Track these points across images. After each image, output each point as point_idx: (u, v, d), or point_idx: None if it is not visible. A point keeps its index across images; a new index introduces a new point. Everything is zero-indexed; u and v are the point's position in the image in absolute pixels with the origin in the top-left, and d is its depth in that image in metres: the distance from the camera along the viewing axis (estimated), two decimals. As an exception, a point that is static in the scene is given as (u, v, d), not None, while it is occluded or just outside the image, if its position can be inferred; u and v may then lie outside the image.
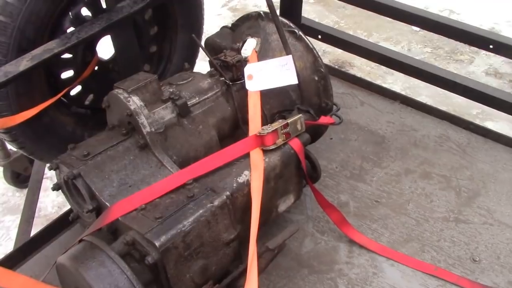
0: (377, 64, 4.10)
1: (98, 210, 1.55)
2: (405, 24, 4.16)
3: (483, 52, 4.16)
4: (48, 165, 1.65)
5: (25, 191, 2.72)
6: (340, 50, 4.18)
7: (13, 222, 2.90)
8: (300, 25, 2.57)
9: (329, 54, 4.10)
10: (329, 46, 4.13)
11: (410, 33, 4.40)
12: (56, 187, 1.67)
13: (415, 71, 2.39)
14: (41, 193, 2.86)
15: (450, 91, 2.34)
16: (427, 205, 2.02)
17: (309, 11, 4.66)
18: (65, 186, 1.64)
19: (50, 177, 3.05)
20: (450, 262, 1.83)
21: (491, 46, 2.14)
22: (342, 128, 2.36)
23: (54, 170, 1.62)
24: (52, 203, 3.00)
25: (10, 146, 2.91)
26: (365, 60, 4.14)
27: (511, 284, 1.76)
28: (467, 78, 2.41)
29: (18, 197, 3.04)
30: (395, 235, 1.92)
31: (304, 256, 1.86)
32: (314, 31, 2.59)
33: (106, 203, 1.51)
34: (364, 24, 4.49)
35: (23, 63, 1.49)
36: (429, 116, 2.42)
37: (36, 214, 2.43)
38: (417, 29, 4.40)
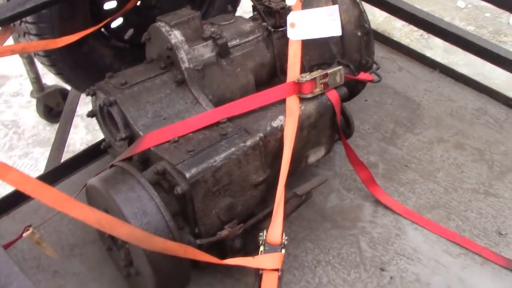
0: (417, 37, 4.07)
1: (131, 139, 1.56)
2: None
3: (529, 34, 4.04)
4: (84, 92, 1.67)
5: (56, 126, 2.77)
6: (381, 19, 4.10)
7: (41, 154, 2.96)
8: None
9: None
10: (369, 13, 4.07)
11: (454, 9, 4.28)
12: (90, 114, 1.68)
13: (458, 39, 2.30)
14: (71, 129, 2.92)
15: (493, 63, 2.25)
16: (457, 175, 1.99)
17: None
18: (100, 113, 1.65)
19: (80, 115, 3.09)
20: (475, 233, 1.81)
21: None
22: (378, 91, 2.32)
23: (91, 96, 1.63)
24: (81, 140, 3.05)
25: (45, 80, 2.95)
26: (405, 31, 4.07)
27: (535, 261, 1.74)
28: (509, 50, 2.33)
29: (49, 131, 3.09)
30: (421, 200, 1.90)
31: (328, 210, 1.86)
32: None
33: (140, 133, 1.52)
34: (408, -4, 4.39)
35: (70, -16, 1.49)
36: (468, 88, 2.35)
37: (65, 149, 2.47)
38: (462, 5, 4.28)
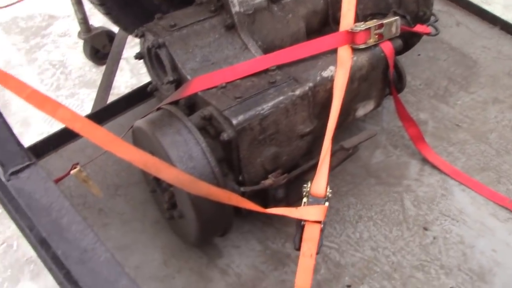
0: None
1: (178, 82, 1.54)
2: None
3: None
4: (133, 34, 1.65)
5: (102, 68, 2.78)
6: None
7: (88, 95, 3.00)
8: None
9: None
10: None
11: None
12: (138, 56, 1.67)
13: None
14: (117, 72, 2.93)
15: None
16: (511, 138, 1.91)
17: None
18: (148, 55, 1.63)
19: (126, 58, 3.09)
20: (526, 198, 1.75)
21: None
22: (433, 46, 2.22)
23: (140, 37, 1.61)
24: (125, 84, 3.07)
25: (92, 22, 2.95)
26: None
27: None
28: None
29: (95, 72, 3.12)
30: (471, 162, 1.83)
31: (373, 166, 1.82)
32: None
33: (187, 76, 1.50)
34: None
35: None
36: (530, 47, 2.23)
37: (110, 91, 2.50)
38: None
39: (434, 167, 1.81)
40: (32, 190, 0.84)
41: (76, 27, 3.01)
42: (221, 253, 1.60)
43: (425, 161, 1.82)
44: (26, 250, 2.33)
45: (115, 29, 2.61)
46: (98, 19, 3.04)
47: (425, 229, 1.66)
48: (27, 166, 0.87)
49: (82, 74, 3.16)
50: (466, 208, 1.71)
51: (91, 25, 2.95)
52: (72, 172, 1.50)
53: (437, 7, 2.38)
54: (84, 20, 2.86)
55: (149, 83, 1.77)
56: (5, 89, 1.20)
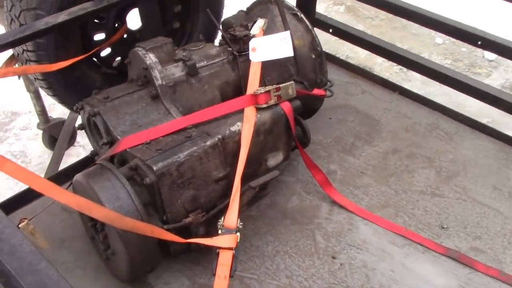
0: (396, 71, 4.36)
1: (112, 143, 1.83)
2: (429, 36, 4.32)
3: (502, 67, 4.33)
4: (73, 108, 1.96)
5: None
6: (362, 56, 4.42)
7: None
8: (314, 18, 2.83)
9: (351, 59, 4.33)
10: (353, 52, 4.38)
11: (433, 45, 4.59)
12: (80, 127, 1.97)
13: (433, 72, 2.59)
14: (73, 158, 3.23)
15: (466, 93, 2.51)
16: (408, 180, 2.23)
17: (338, 19, 4.91)
18: (87, 125, 1.94)
19: (83, 145, 3.40)
20: (420, 227, 2.03)
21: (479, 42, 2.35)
22: (342, 111, 2.59)
23: (79, 110, 1.92)
24: (81, 166, 3.33)
25: (50, 114, 3.27)
26: (386, 66, 4.36)
27: (472, 250, 1.95)
28: (480, 81, 2.61)
29: (53, 159, 3.38)
30: (373, 201, 2.13)
31: (289, 209, 2.10)
32: (326, 25, 2.85)
33: (118, 137, 1.80)
34: (389, 35, 4.71)
35: (61, 16, 1.81)
36: (424, 106, 2.62)
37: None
38: (440, 41, 4.59)
39: (341, 207, 2.10)
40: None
41: (36, 121, 3.32)
42: (153, 290, 1.81)
43: (334, 203, 2.12)
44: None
45: (69, 116, 2.93)
46: (57, 113, 3.38)
47: (333, 257, 1.92)
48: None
49: (41, 162, 3.43)
50: (369, 238, 1.99)
51: (50, 116, 3.27)
52: (20, 225, 1.73)
53: (345, 79, 2.81)
54: (43, 112, 3.17)
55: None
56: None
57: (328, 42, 4.16)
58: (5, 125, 3.76)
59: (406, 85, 3.88)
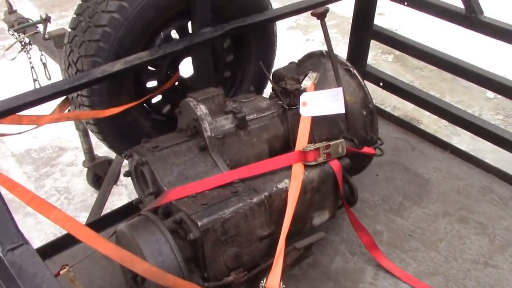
0: (445, 125, 4.25)
1: (157, 194, 1.82)
2: (480, 90, 4.17)
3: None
4: (122, 155, 1.97)
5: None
6: (410, 107, 4.34)
7: (87, 218, 3.26)
8: (365, 71, 2.80)
9: (399, 110, 4.27)
10: (400, 102, 4.31)
11: (484, 100, 4.48)
12: (127, 174, 1.97)
13: (480, 129, 2.49)
14: (115, 197, 3.25)
15: None
16: (459, 246, 2.13)
17: (386, 68, 4.87)
18: (134, 172, 1.93)
19: (125, 184, 3.42)
20: (472, 299, 1.92)
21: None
22: (390, 168, 2.52)
23: (128, 158, 1.93)
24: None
25: (96, 152, 3.32)
26: (433, 118, 4.27)
27: (529, 329, 1.82)
28: None
29: (95, 198, 3.41)
30: (422, 267, 2.03)
31: (333, 271, 2.02)
32: (376, 78, 2.81)
33: (165, 188, 1.78)
34: (438, 86, 4.63)
35: (117, 65, 1.84)
36: (477, 168, 2.52)
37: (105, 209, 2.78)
38: (491, 96, 4.47)
39: (387, 272, 2.01)
40: (23, 263, 1.08)
41: (82, 158, 3.37)
42: None
43: (380, 266, 2.03)
44: None
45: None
46: (103, 151, 3.43)
47: (378, 327, 1.82)
48: (21, 245, 1.12)
49: (84, 199, 3.47)
50: (415, 309, 1.88)
51: (96, 155, 3.32)
52: (61, 272, 1.73)
53: (394, 134, 2.74)
54: (89, 150, 3.22)
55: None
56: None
57: (376, 91, 4.13)
58: (52, 160, 3.84)
59: (456, 140, 3.81)
